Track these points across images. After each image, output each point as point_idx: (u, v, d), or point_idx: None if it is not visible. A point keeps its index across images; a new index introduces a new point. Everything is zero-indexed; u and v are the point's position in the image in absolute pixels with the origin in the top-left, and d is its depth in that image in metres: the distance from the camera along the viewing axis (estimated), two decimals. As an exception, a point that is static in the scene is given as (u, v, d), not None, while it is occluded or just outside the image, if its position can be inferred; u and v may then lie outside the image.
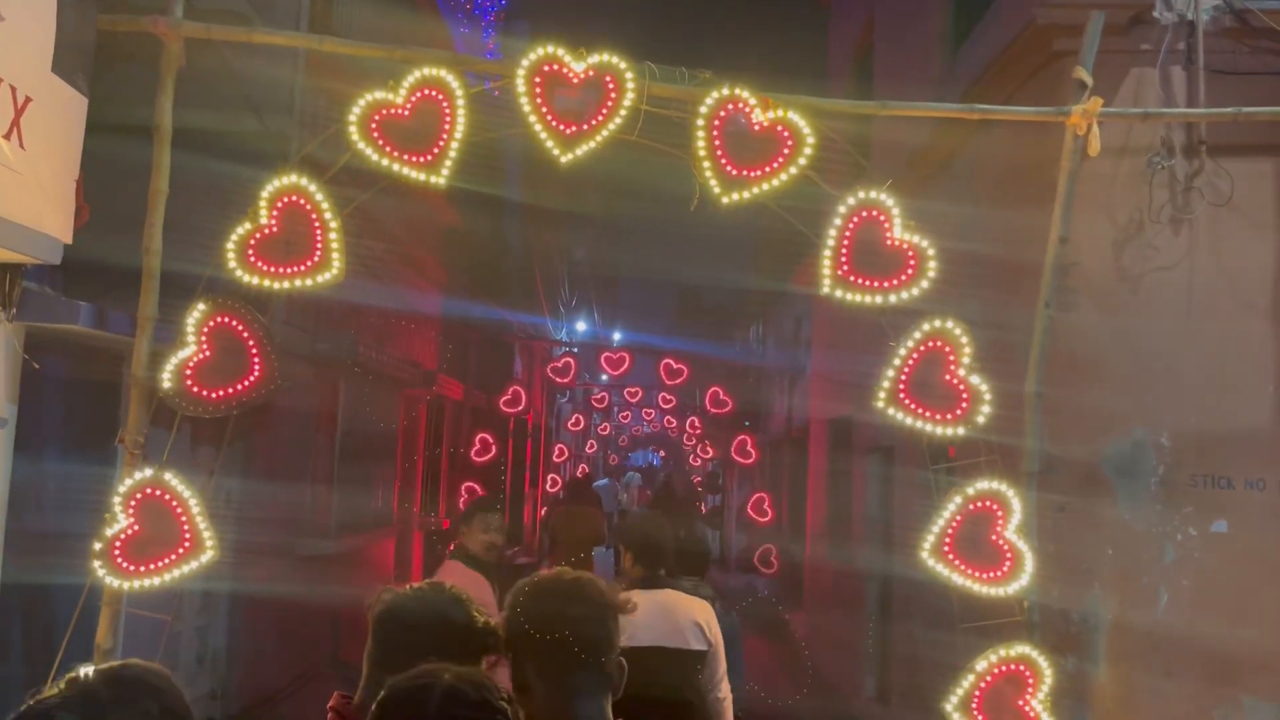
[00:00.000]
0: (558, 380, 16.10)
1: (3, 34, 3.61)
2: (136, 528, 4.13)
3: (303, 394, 8.85)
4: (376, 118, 4.29)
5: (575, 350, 15.87)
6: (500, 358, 17.92)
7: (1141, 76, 5.08)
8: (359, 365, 9.61)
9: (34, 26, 3.85)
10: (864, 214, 4.35)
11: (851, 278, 4.39)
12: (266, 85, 6.56)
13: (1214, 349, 5.04)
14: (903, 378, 4.43)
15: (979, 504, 4.44)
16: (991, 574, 4.44)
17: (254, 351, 4.32)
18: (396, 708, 1.61)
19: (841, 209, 4.35)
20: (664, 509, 15.22)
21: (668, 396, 21.23)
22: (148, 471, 4.15)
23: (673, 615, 4.29)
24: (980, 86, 5.88)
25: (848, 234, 4.35)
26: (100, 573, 4.07)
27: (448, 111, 4.32)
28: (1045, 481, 4.53)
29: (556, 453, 22.81)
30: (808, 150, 4.32)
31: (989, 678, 4.40)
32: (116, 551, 4.10)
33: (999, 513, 4.44)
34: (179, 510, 4.19)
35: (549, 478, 21.22)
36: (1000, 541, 4.45)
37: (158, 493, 4.16)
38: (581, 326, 27.76)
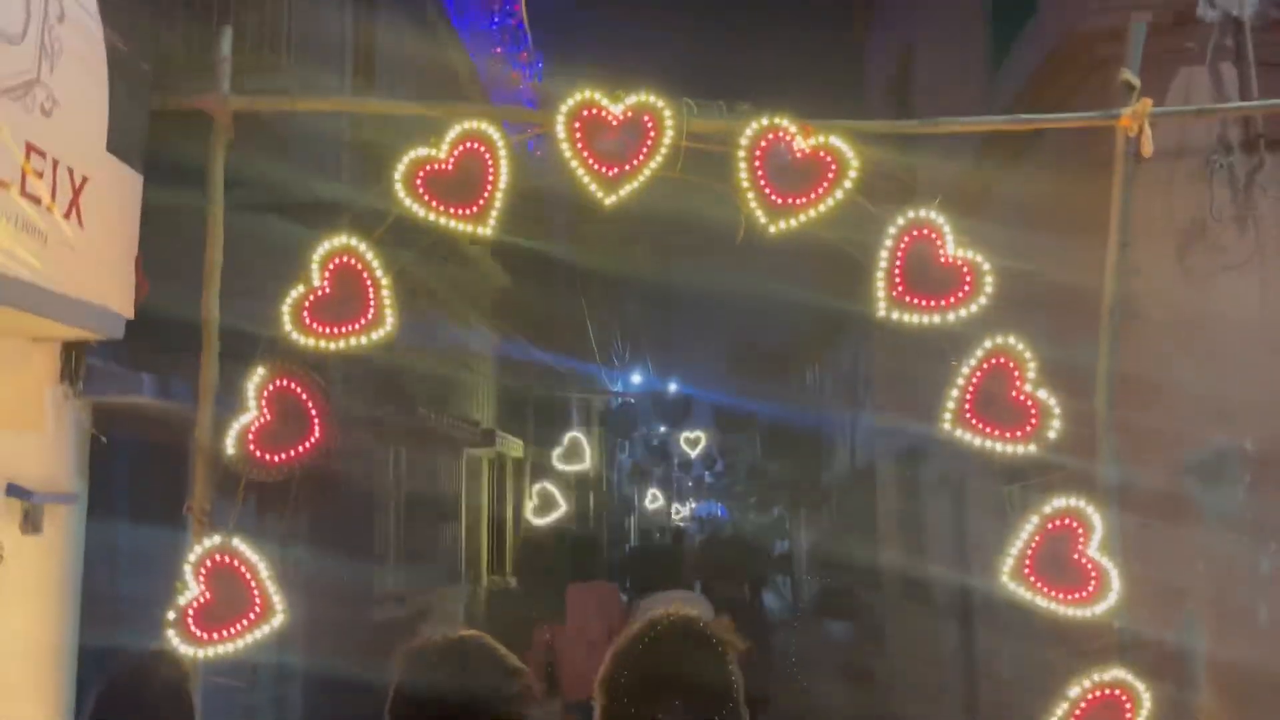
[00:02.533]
0: (615, 434, 16.09)
1: (59, 118, 3.72)
2: (208, 595, 4.16)
3: (365, 459, 8.91)
4: (421, 173, 4.34)
5: (632, 401, 15.83)
6: (558, 413, 17.97)
7: (1191, 76, 4.98)
8: (419, 427, 9.67)
9: (88, 108, 3.97)
10: (915, 233, 4.28)
11: (907, 298, 4.30)
12: (315, 150, 6.72)
13: (1293, 347, 4.85)
14: (968, 397, 4.31)
15: (1058, 522, 4.29)
16: (1076, 595, 4.27)
17: (313, 413, 4.36)
18: None
19: (891, 229, 4.28)
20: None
21: (727, 445, 21.06)
22: (216, 539, 4.19)
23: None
24: (1024, 103, 5.80)
25: (900, 254, 4.28)
26: (175, 641, 4.09)
27: (490, 163, 4.36)
28: (1125, 496, 4.37)
29: (619, 505, 22.68)
30: (852, 174, 4.28)
31: (1083, 705, 4.20)
32: (189, 619, 4.13)
33: (1079, 530, 4.28)
34: (249, 576, 4.21)
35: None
36: (1083, 560, 4.28)
37: (227, 559, 4.19)
38: (637, 378, 27.79)
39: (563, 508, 11.70)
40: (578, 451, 12.97)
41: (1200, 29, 5.01)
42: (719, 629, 2.00)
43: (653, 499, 22.25)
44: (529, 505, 11.29)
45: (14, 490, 4.01)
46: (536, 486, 11.51)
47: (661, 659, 1.90)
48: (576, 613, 6.96)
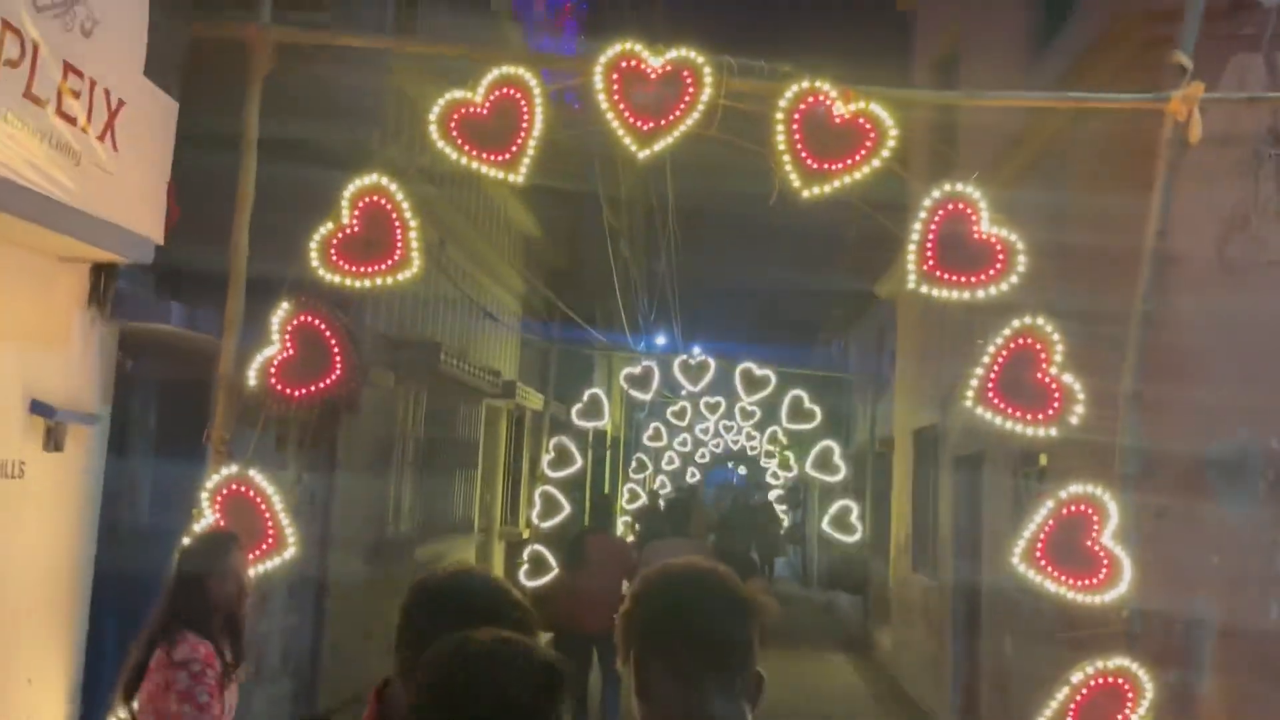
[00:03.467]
0: (634, 392, 16.04)
1: (97, 40, 3.72)
2: (222, 524, 4.21)
3: (385, 402, 8.97)
4: (455, 117, 4.32)
5: (653, 365, 15.71)
6: (579, 369, 17.99)
7: (1245, 62, 4.84)
8: (440, 374, 9.71)
9: (127, 32, 3.97)
10: (950, 207, 4.23)
11: (938, 273, 4.26)
12: (352, 95, 6.70)
13: (1327, 348, 4.76)
14: (992, 376, 4.28)
15: (1073, 508, 4.26)
16: (1087, 581, 4.25)
17: (335, 350, 4.38)
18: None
19: (926, 202, 4.23)
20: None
21: (748, 410, 20.94)
22: (233, 468, 4.23)
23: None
24: (1073, 79, 5.68)
25: (933, 228, 4.23)
26: (187, 567, 4.13)
27: (526, 110, 4.33)
28: (1143, 484, 4.32)
29: (635, 465, 22.79)
30: (891, 143, 4.22)
31: (1084, 691, 4.19)
32: (203, 547, 4.17)
33: (1094, 517, 4.25)
34: (263, 507, 4.25)
35: (627, 488, 21.20)
36: (1096, 547, 4.25)
37: (242, 489, 4.23)
38: (661, 340, 27.75)
39: (578, 463, 11.76)
40: (597, 408, 12.94)
41: (1258, 14, 4.87)
42: (751, 589, 1.99)
43: (669, 461, 22.28)
44: (545, 459, 11.32)
45: (38, 407, 4.06)
46: (554, 440, 11.52)
47: (676, 603, 1.90)
48: (595, 558, 7.58)
